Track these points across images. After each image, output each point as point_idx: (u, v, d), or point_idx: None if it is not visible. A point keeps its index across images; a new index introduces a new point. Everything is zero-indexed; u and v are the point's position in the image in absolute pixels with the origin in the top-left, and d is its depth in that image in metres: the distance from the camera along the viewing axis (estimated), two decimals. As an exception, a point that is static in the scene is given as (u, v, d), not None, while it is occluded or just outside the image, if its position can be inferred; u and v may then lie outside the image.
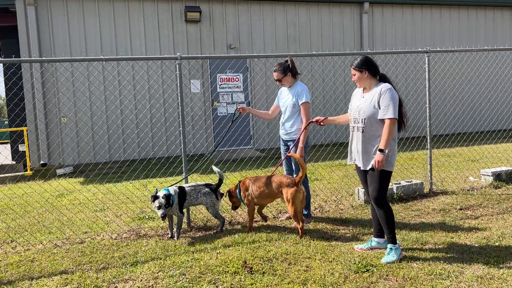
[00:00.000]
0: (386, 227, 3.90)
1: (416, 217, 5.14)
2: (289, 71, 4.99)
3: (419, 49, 6.23)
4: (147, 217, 5.54)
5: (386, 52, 6.14)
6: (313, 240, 4.43)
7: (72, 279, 3.73)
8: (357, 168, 4.08)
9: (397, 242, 3.94)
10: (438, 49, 6.29)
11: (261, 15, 11.52)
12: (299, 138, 4.80)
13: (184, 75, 10.68)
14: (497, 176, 6.46)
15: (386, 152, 3.75)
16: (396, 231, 4.56)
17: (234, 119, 5.25)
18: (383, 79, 3.98)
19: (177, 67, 4.98)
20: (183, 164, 5.09)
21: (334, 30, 12.13)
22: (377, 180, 3.85)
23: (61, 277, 3.78)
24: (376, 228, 4.16)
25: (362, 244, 4.22)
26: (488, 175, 6.50)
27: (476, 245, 4.13)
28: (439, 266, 3.66)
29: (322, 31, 12.03)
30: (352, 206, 5.71)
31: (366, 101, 3.88)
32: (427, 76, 6.04)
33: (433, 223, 4.85)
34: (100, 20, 10.35)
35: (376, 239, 4.15)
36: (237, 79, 11.42)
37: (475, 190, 6.19)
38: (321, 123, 4.40)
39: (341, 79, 11.71)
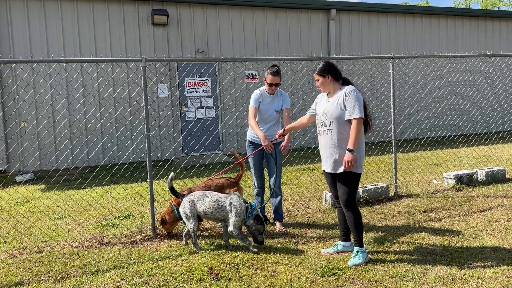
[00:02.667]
0: (354, 230, 3.91)
1: (381, 220, 5.20)
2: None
3: (384, 55, 6.35)
4: (110, 224, 5.36)
5: (352, 57, 6.23)
6: (280, 245, 4.40)
7: (27, 291, 3.54)
8: (326, 174, 4.10)
9: (364, 245, 3.96)
10: (402, 55, 6.42)
11: (230, 19, 11.49)
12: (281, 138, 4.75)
13: (149, 78, 10.49)
14: (459, 179, 6.64)
15: (355, 151, 3.78)
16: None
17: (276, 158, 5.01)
18: (346, 82, 4.03)
19: (142, 69, 4.86)
20: (148, 170, 4.95)
21: (302, 36, 12.25)
22: (347, 183, 3.87)
23: (16, 289, 3.58)
24: (342, 231, 4.18)
25: (328, 248, 4.22)
26: (451, 178, 6.68)
27: (439, 246, 4.20)
28: (403, 268, 3.70)
29: (290, 37, 12.12)
30: (319, 210, 5.72)
31: (332, 104, 3.92)
32: (391, 81, 6.15)
33: (398, 226, 4.91)
34: (63, 21, 10.04)
35: (342, 243, 4.16)
36: (205, 84, 11.32)
37: (438, 193, 6.34)
38: (282, 136, 4.61)
39: (308, 83, 11.81)
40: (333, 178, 4.03)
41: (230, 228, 4.21)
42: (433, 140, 11.85)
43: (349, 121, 3.82)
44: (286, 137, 4.81)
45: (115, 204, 6.36)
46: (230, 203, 4.23)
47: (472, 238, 4.40)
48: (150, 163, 4.97)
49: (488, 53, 7.18)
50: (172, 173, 4.49)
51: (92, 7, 10.25)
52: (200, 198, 4.33)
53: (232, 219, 4.20)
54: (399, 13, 13.26)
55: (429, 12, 13.66)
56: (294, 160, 9.26)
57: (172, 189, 4.49)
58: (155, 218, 5.02)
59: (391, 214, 5.41)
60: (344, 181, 3.87)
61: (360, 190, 6.01)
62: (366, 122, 3.94)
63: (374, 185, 6.17)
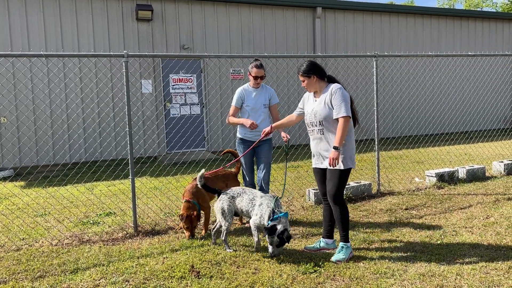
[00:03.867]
0: (340, 225, 3.93)
1: (363, 217, 5.24)
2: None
3: (368, 53, 6.38)
4: (91, 222, 5.28)
5: (336, 55, 6.25)
6: (263, 242, 4.39)
7: (3, 290, 3.47)
8: (315, 169, 4.13)
9: (349, 241, 3.99)
10: (386, 53, 6.46)
11: (215, 16, 11.42)
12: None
13: (131, 74, 10.36)
14: (440, 177, 6.73)
15: (340, 149, 3.80)
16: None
17: (286, 151, 4.84)
18: (331, 80, 4.05)
19: (124, 65, 4.79)
20: (129, 167, 4.89)
21: (288, 33, 12.25)
22: (337, 177, 3.88)
23: (-8, 288, 3.50)
24: (326, 228, 4.19)
25: (310, 245, 4.23)
26: (432, 176, 6.76)
27: (420, 243, 4.25)
28: (384, 265, 3.72)
29: (276, 34, 12.11)
30: (302, 207, 5.73)
31: (320, 104, 3.94)
32: (375, 79, 6.19)
33: (379, 223, 4.95)
34: (45, 16, 9.84)
35: (324, 240, 4.18)
36: (190, 80, 11.24)
37: (420, 191, 6.41)
38: (269, 134, 4.56)
39: (292, 81, 11.82)
40: (322, 175, 4.06)
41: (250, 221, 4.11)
42: (416, 138, 11.99)
43: (337, 119, 3.84)
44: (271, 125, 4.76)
45: (97, 201, 6.27)
46: (260, 204, 4.03)
47: (452, 235, 4.45)
48: (132, 160, 4.91)
49: (469, 53, 7.29)
50: (203, 170, 4.28)
51: (75, 1, 10.07)
52: (239, 194, 4.17)
53: (252, 216, 4.06)
54: (384, 12, 13.37)
55: (414, 12, 13.80)
56: (278, 158, 9.26)
57: (205, 186, 4.28)
58: (137, 215, 4.97)
59: (374, 211, 5.45)
60: (334, 175, 3.88)
61: (343, 187, 6.03)
62: (353, 116, 3.98)
63: (357, 183, 6.21)
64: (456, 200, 5.80)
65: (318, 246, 4.17)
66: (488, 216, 5.04)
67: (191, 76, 11.23)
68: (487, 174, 7.20)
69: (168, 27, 10.94)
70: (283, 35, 12.20)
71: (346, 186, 6.04)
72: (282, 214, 3.90)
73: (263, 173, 4.99)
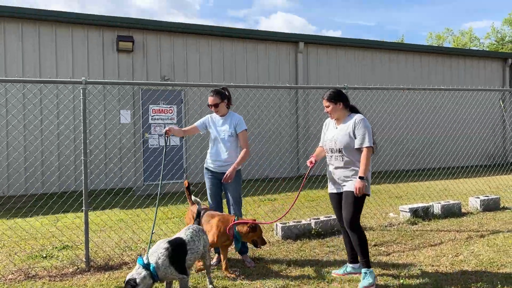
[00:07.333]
0: (360, 251, 4.00)
1: (330, 253, 5.02)
2: (226, 98, 4.82)
3: (337, 85, 6.34)
4: (44, 256, 5.01)
5: (307, 87, 6.19)
6: (222, 279, 4.15)
7: None
8: (332, 195, 4.23)
9: (371, 266, 4.00)
10: (356, 86, 6.43)
11: (198, 49, 11.49)
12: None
13: (110, 103, 10.26)
14: (414, 212, 6.55)
15: (365, 179, 3.89)
16: (305, 268, 4.42)
17: (166, 144, 4.65)
18: (353, 110, 4.20)
19: (81, 92, 4.67)
20: (83, 197, 4.69)
21: (270, 67, 12.31)
22: (353, 203, 3.94)
23: None
24: (350, 253, 4.32)
25: (338, 270, 4.35)
26: (406, 211, 6.58)
27: (382, 283, 4.03)
28: (339, 306, 3.49)
29: (258, 68, 12.17)
30: (269, 242, 5.49)
31: (341, 131, 4.05)
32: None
33: (345, 260, 4.71)
34: (23, 43, 9.81)
35: (351, 265, 4.30)
36: (170, 111, 11.17)
37: (393, 226, 6.21)
38: (314, 163, 4.26)
39: (273, 111, 11.76)
40: (339, 200, 4.13)
41: None
42: (396, 173, 11.86)
43: (358, 148, 3.95)
44: (234, 164, 4.64)
45: (58, 233, 5.99)
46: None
47: (417, 273, 4.24)
48: (86, 190, 4.72)
49: (450, 87, 7.34)
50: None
51: (55, 31, 10.09)
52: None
53: None
54: (366, 48, 13.55)
55: (391, 48, 14.02)
56: (256, 191, 9.06)
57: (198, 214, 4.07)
58: (91, 249, 4.72)
59: (341, 247, 5.22)
60: (350, 201, 3.94)
61: (312, 221, 5.84)
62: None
63: (327, 217, 6.01)
64: (428, 237, 5.60)
65: (344, 270, 4.28)
66: (457, 253, 4.85)
67: (171, 107, 11.16)
68: (463, 210, 7.03)
69: (149, 58, 10.96)
70: (265, 69, 12.26)
71: (316, 221, 5.85)
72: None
73: (232, 208, 4.76)
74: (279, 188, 9.26)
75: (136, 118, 10.71)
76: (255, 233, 4.23)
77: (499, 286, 3.87)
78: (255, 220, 4.37)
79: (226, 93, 4.85)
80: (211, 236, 4.19)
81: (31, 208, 7.32)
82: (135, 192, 9.58)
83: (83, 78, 4.70)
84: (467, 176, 11.23)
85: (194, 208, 4.33)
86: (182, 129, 4.92)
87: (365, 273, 3.94)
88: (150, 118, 10.92)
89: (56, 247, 5.35)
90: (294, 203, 4.47)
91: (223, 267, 4.32)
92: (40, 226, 6.47)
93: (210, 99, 4.76)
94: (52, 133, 9.71)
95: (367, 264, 3.96)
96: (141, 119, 10.76)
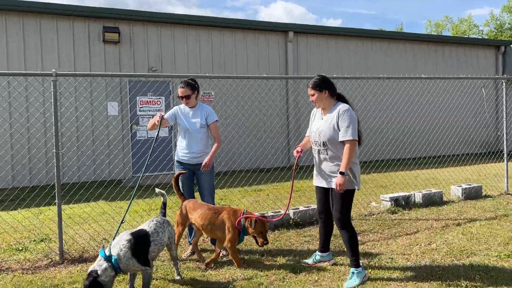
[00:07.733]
0: (349, 250, 3.83)
1: (305, 243, 5.03)
2: (196, 90, 4.81)
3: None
4: (20, 248, 5.02)
5: (292, 77, 6.14)
6: (187, 270, 4.16)
7: None
8: (318, 188, 4.08)
9: (361, 265, 3.84)
10: (341, 75, 6.37)
11: (185, 39, 11.41)
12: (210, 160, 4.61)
13: (99, 95, 10.22)
14: (395, 201, 6.55)
15: (347, 174, 3.72)
16: (278, 258, 4.43)
17: (158, 130, 4.68)
18: (341, 98, 3.95)
19: (52, 84, 4.64)
20: (56, 190, 4.68)
21: (259, 57, 12.24)
22: (341, 200, 3.79)
23: None
24: (321, 243, 4.25)
25: (308, 259, 4.33)
26: (387, 201, 6.59)
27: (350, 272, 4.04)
28: (303, 296, 3.51)
29: (247, 58, 12.09)
30: (246, 233, 5.50)
31: (326, 123, 3.85)
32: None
33: (318, 250, 4.74)
34: (7, 34, 9.74)
35: (320, 253, 4.27)
36: (158, 102, 11.14)
37: (373, 216, 6.22)
38: (301, 153, 4.14)
39: (263, 102, 11.72)
40: (324, 193, 4.00)
41: None
42: (386, 162, 11.84)
43: (343, 142, 3.72)
44: (210, 153, 4.65)
45: (39, 226, 6.00)
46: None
47: (387, 262, 4.25)
48: (59, 183, 4.71)
49: (437, 76, 7.31)
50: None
51: (39, 22, 10.02)
52: None
53: None
54: (358, 37, 13.45)
55: (383, 36, 13.92)
56: (241, 181, 9.05)
57: None
58: (65, 242, 4.74)
59: (317, 237, 5.22)
60: (338, 199, 3.79)
61: (291, 212, 5.84)
62: (358, 137, 3.83)
63: (306, 207, 6.02)
64: (405, 226, 5.61)
65: (314, 259, 4.25)
66: (430, 242, 4.86)
67: (160, 98, 11.12)
68: (445, 198, 7.03)
69: (136, 49, 10.89)
70: (254, 58, 12.19)
71: (295, 211, 5.85)
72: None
73: (206, 199, 4.78)
74: (264, 179, 9.26)
75: (124, 110, 10.67)
76: (264, 227, 4.15)
77: (463, 274, 3.88)
78: (264, 216, 4.39)
79: (196, 84, 4.82)
80: (231, 233, 4.13)
81: (14, 200, 7.34)
82: (126, 184, 9.59)
83: (53, 70, 4.67)
84: (458, 164, 11.22)
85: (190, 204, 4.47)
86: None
87: (353, 273, 3.76)
88: (138, 109, 10.90)
89: (34, 240, 5.36)
90: (290, 199, 4.32)
91: (212, 258, 4.31)
92: (23, 218, 6.49)
93: (181, 91, 4.73)
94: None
95: (356, 263, 3.78)
96: (129, 113, 10.72)
